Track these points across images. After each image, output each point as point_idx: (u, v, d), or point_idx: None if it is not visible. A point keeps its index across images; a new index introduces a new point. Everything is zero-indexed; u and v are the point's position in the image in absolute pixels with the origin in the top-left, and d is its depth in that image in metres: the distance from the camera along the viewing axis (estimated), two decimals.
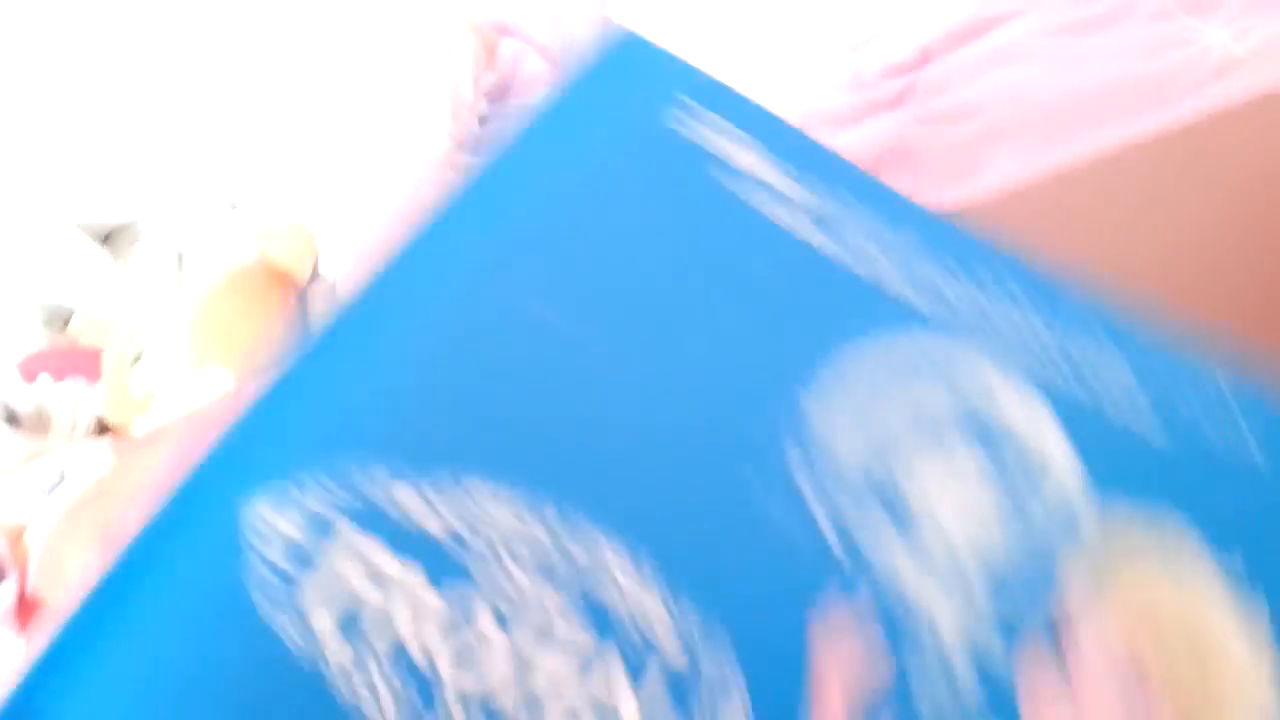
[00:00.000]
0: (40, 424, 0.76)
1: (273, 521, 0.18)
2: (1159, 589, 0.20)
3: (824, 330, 0.21)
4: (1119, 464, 0.20)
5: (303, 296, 0.84)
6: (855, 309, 0.22)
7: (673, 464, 0.20)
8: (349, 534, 0.18)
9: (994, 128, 0.53)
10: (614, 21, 0.26)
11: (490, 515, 0.18)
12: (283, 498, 0.18)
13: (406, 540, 0.18)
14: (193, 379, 0.73)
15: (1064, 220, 0.43)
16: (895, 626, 0.18)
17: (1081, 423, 0.20)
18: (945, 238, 0.23)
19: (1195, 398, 0.22)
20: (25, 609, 0.57)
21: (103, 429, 0.78)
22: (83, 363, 0.79)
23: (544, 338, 0.20)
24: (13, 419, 0.76)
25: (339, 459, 0.19)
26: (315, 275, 0.86)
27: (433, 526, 0.18)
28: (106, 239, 1.02)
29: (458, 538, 0.18)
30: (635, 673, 0.17)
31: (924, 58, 0.60)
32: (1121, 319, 0.23)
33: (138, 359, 0.77)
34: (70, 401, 0.77)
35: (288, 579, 0.18)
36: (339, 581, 0.17)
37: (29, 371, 0.78)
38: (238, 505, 0.18)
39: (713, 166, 0.23)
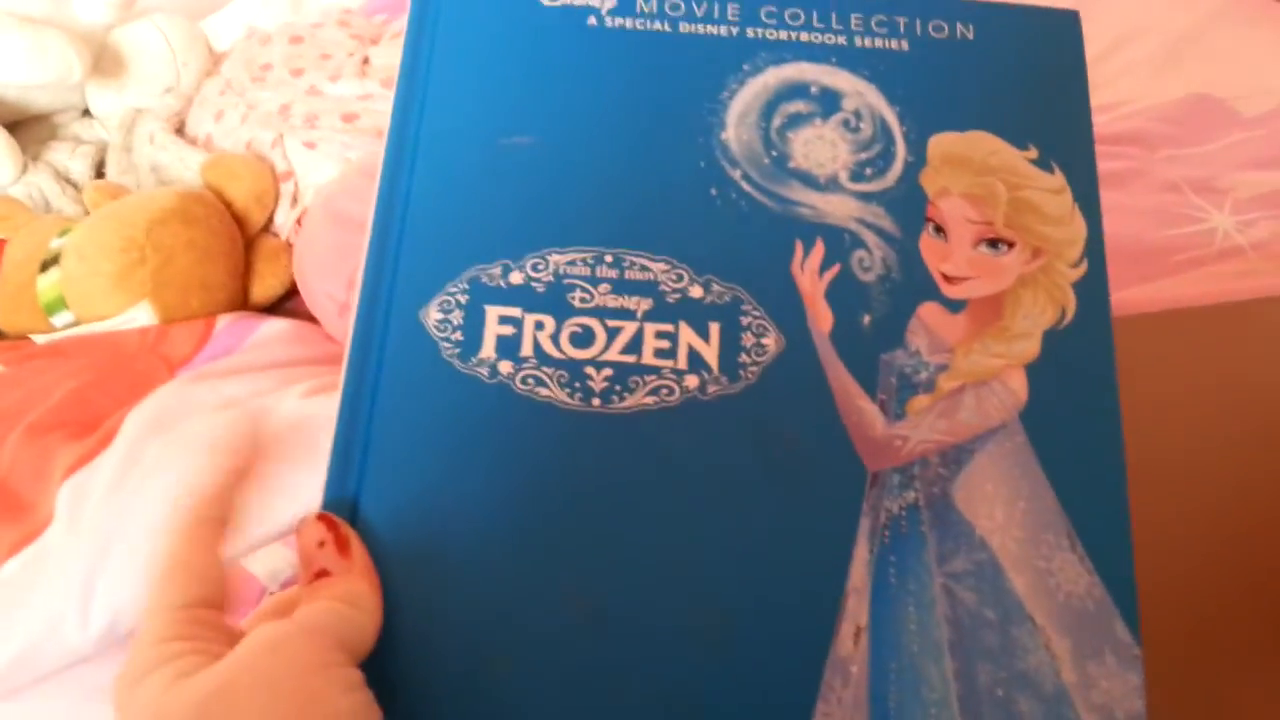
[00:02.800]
0: None
1: (443, 317, 0.30)
2: (990, 166, 0.32)
3: (713, 79, 0.33)
4: (937, 106, 0.33)
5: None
6: (736, 58, 0.33)
7: (661, 204, 0.31)
8: (490, 308, 0.30)
9: None
10: None
11: (568, 268, 0.31)
12: (444, 301, 0.30)
13: (526, 297, 0.30)
14: (113, 304, 0.69)
15: None
16: (832, 242, 0.31)
17: (906, 83, 0.33)
18: None
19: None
20: None
21: None
22: None
23: (532, 155, 0.32)
24: None
25: (467, 267, 0.31)
26: (268, 226, 0.83)
27: (537, 286, 0.30)
28: (14, 127, 0.96)
29: (555, 286, 0.30)
30: (700, 328, 0.30)
31: None
32: None
33: (51, 263, 0.72)
34: None
35: (466, 344, 0.30)
36: (493, 336, 0.30)
37: None
38: (415, 313, 0.30)
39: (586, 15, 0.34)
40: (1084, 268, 0.31)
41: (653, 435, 0.29)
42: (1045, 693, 0.27)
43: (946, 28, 0.34)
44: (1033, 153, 0.32)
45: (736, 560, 0.28)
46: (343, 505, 0.28)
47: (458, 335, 0.30)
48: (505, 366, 0.29)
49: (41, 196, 0.89)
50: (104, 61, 0.95)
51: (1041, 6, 0.35)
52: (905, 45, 0.34)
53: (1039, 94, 0.33)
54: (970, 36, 0.34)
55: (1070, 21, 0.34)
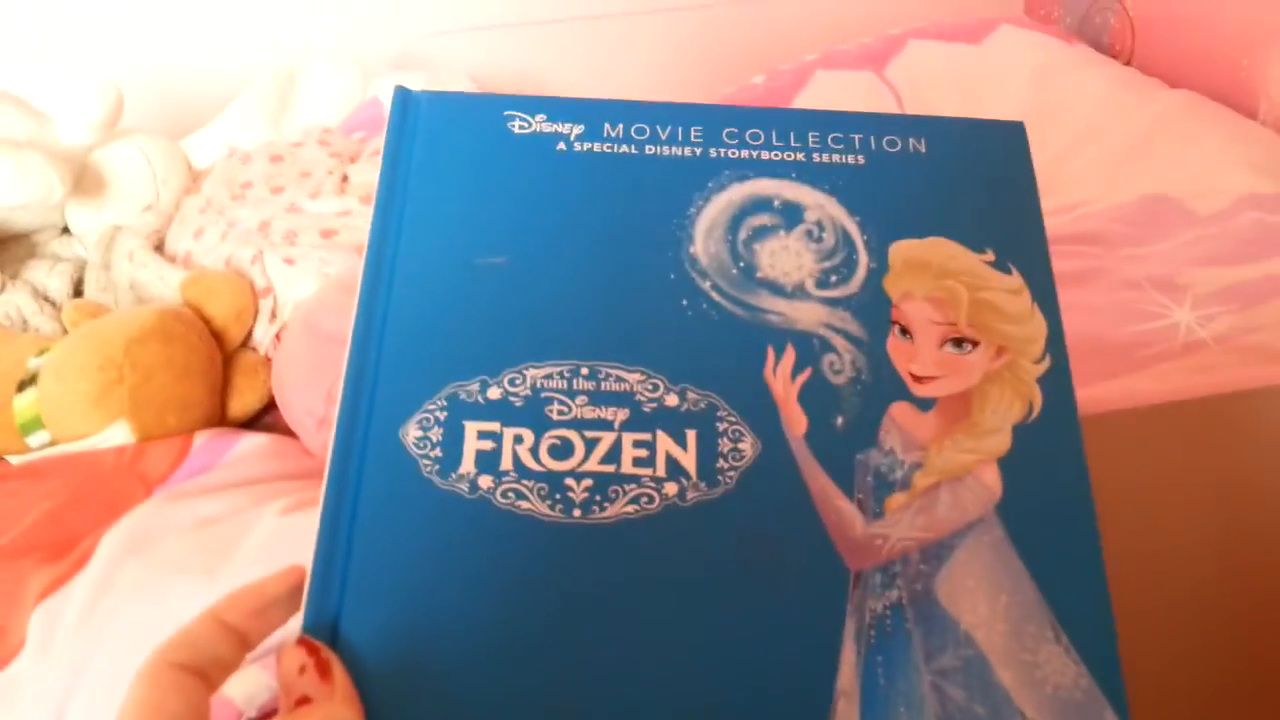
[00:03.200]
0: None
1: (421, 434, 0.31)
2: (949, 270, 0.34)
3: (680, 196, 0.35)
4: (895, 216, 0.35)
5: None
6: (701, 176, 0.35)
7: (634, 316, 0.33)
8: (469, 424, 0.31)
9: None
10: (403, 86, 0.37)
11: (545, 381, 0.31)
12: (422, 419, 0.31)
13: (504, 411, 0.31)
14: (90, 424, 0.69)
15: None
16: (802, 348, 0.32)
17: (864, 194, 0.35)
18: (740, 116, 0.37)
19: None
20: None
21: None
22: None
23: (507, 273, 0.33)
24: None
25: (445, 384, 0.31)
26: (247, 341, 0.84)
27: (515, 400, 0.31)
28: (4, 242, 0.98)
29: (533, 400, 0.31)
30: (677, 436, 0.31)
31: None
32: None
33: (28, 383, 0.72)
34: None
35: (446, 461, 0.30)
36: (473, 451, 0.30)
37: None
38: (395, 431, 0.31)
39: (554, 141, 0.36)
40: (1047, 363, 0.32)
41: (635, 544, 0.29)
42: None
43: (900, 142, 0.36)
44: (990, 255, 0.34)
45: (723, 668, 0.28)
46: (323, 628, 0.28)
47: (437, 452, 0.30)
48: (485, 481, 0.30)
49: (19, 315, 0.90)
50: (84, 180, 0.97)
51: (988, 120, 0.37)
52: (861, 160, 0.36)
53: (992, 200, 0.35)
54: (923, 149, 0.36)
55: (1016, 131, 0.37)
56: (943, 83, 1.04)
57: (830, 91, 1.02)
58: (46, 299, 0.93)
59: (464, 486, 0.30)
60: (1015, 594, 0.29)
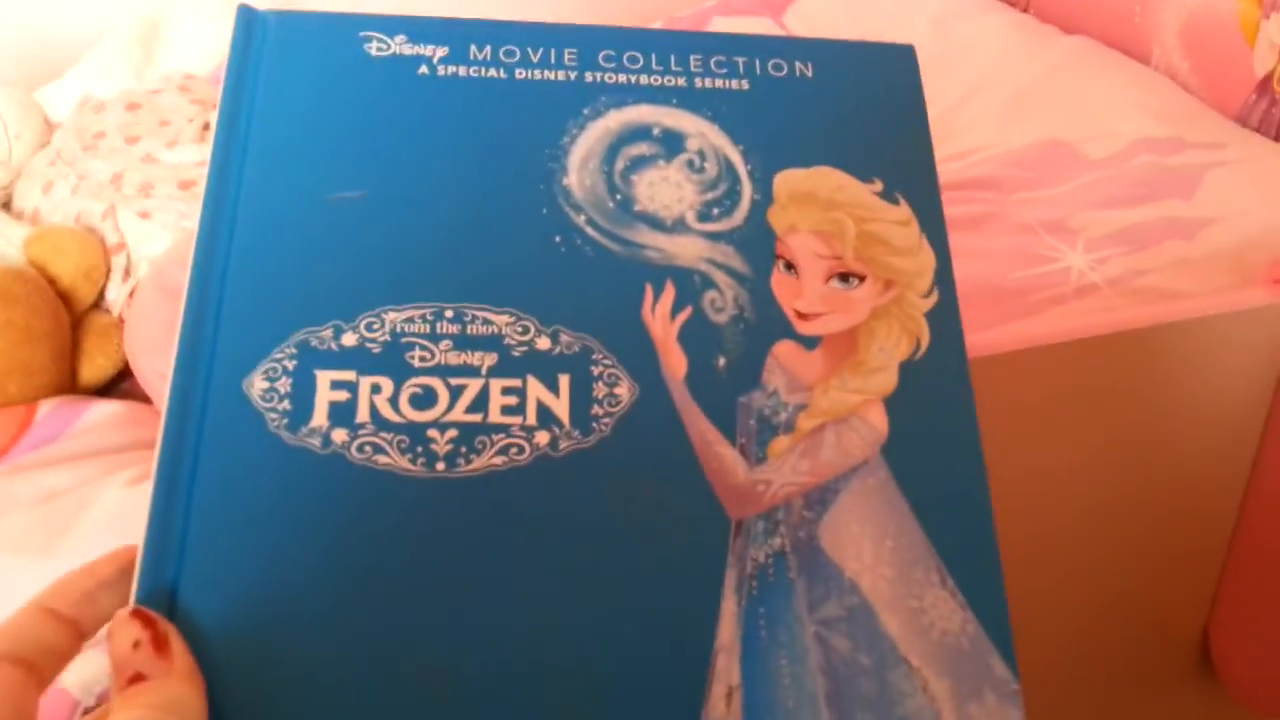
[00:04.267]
0: None
1: (268, 386, 0.28)
2: (836, 200, 0.33)
3: (553, 124, 0.33)
4: (781, 144, 0.33)
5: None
6: (576, 103, 0.33)
7: (503, 254, 0.31)
8: (321, 373, 0.29)
9: None
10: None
11: (406, 325, 0.29)
12: (269, 369, 0.29)
13: (360, 359, 0.29)
14: None
15: None
16: (682, 285, 0.31)
17: (749, 121, 0.34)
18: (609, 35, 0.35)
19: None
20: None
21: None
22: None
23: (363, 210, 0.31)
24: None
25: (294, 331, 0.29)
26: (99, 302, 0.78)
27: (373, 346, 0.29)
28: None
29: (392, 346, 0.29)
30: (549, 381, 0.29)
31: None
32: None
33: None
34: None
35: (295, 414, 0.28)
36: (325, 403, 0.28)
37: None
38: (238, 383, 0.28)
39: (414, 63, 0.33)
40: (935, 297, 0.32)
41: (504, 497, 0.28)
42: None
43: (785, 66, 0.35)
44: (878, 185, 0.33)
45: (598, 623, 0.27)
46: (160, 599, 0.26)
47: (285, 405, 0.28)
48: (339, 435, 0.28)
49: None
50: None
51: (877, 43, 0.36)
52: (746, 85, 0.34)
53: (880, 128, 0.34)
54: (809, 74, 0.35)
55: (906, 55, 0.36)
56: (840, 29, 1.04)
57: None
58: None
59: (315, 441, 0.28)
60: (901, 538, 0.29)
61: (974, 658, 0.28)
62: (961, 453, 0.30)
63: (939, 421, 0.30)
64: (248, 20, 0.33)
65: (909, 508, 0.29)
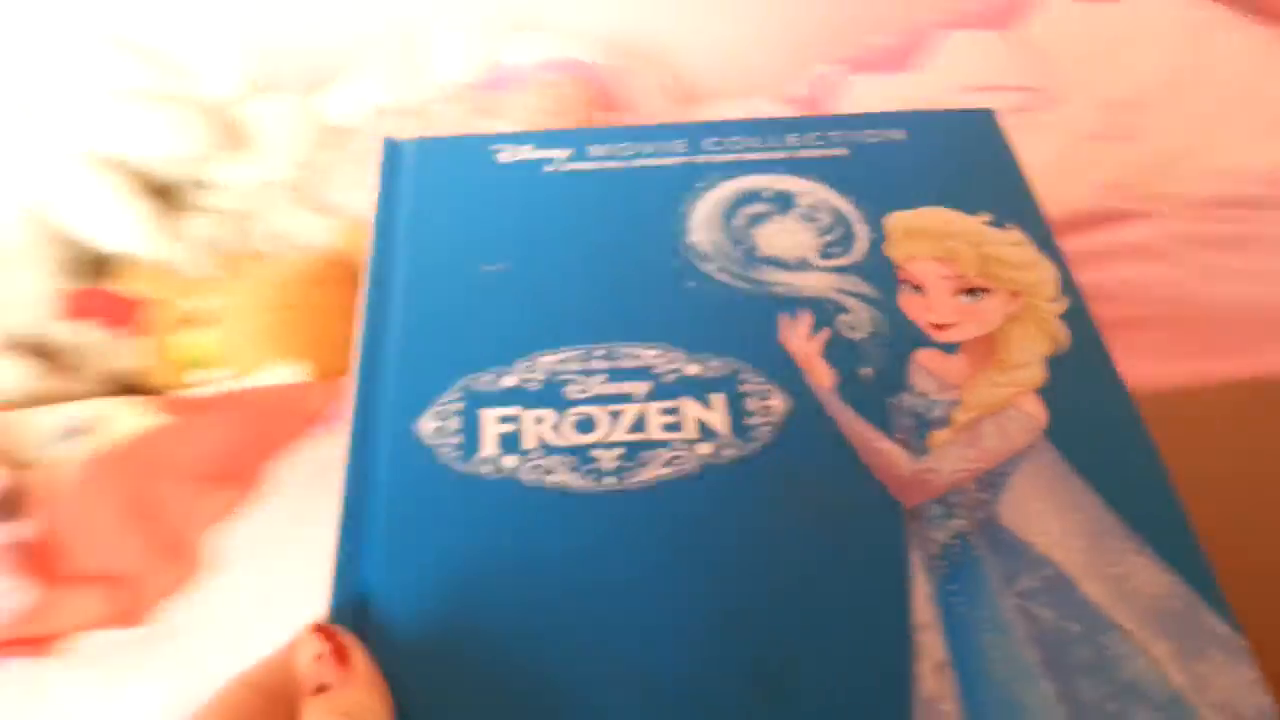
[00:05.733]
0: (71, 365, 0.72)
1: (438, 425, 0.31)
2: (949, 230, 0.35)
3: (671, 197, 0.37)
4: (886, 193, 0.37)
5: None
6: (689, 179, 0.37)
7: (642, 299, 0.34)
8: (487, 411, 0.31)
9: (1125, 319, 0.57)
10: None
11: (561, 365, 0.32)
12: (438, 411, 0.31)
13: (522, 396, 0.31)
14: (261, 361, 0.71)
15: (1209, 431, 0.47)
16: (816, 311, 0.33)
17: (852, 177, 0.37)
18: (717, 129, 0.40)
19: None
20: (36, 553, 0.56)
21: (128, 386, 0.74)
22: (123, 311, 0.77)
23: (511, 277, 0.34)
24: (43, 353, 0.71)
25: (457, 379, 0.32)
26: None
27: (531, 384, 0.31)
28: (162, 191, 0.95)
29: (549, 384, 0.31)
30: (703, 400, 0.31)
31: None
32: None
33: (185, 322, 0.75)
34: (109, 349, 0.73)
35: (466, 446, 0.30)
36: (494, 435, 0.30)
37: (74, 308, 0.75)
38: (409, 426, 0.31)
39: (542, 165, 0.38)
40: (1065, 302, 0.33)
41: (675, 505, 0.29)
42: (1159, 699, 0.25)
43: (879, 134, 0.39)
44: (986, 217, 0.36)
45: (790, 620, 0.27)
46: (351, 611, 0.27)
47: (455, 440, 0.30)
48: (509, 461, 0.29)
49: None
50: (231, 134, 0.98)
51: (959, 109, 0.40)
52: (845, 151, 0.38)
53: (977, 174, 0.37)
54: (902, 138, 0.39)
55: (987, 118, 0.40)
56: (1081, 42, 1.00)
57: (960, 52, 1.00)
58: (201, 247, 0.92)
59: (487, 469, 0.29)
60: (1084, 510, 0.29)
61: (1189, 618, 0.27)
62: (1125, 430, 0.30)
63: (1096, 405, 0.31)
64: (392, 148, 0.39)
65: (1085, 484, 0.29)
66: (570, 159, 0.38)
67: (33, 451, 0.64)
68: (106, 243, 0.84)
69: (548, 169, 0.38)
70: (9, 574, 0.54)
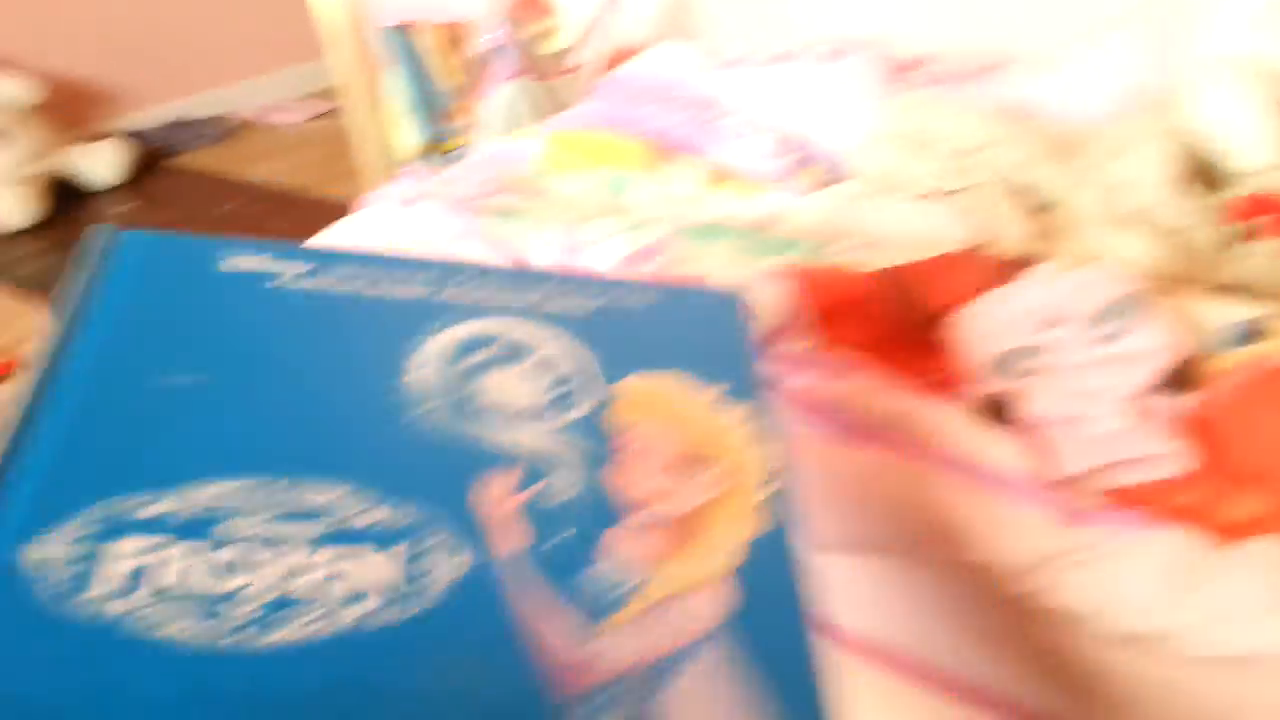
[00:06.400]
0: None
1: (50, 554, 0.27)
2: (677, 401, 0.35)
3: (402, 331, 0.35)
4: (626, 352, 0.36)
5: None
6: (424, 316, 0.36)
7: (343, 431, 0.31)
8: (115, 544, 0.27)
9: None
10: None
11: (222, 497, 0.29)
12: (58, 535, 0.27)
13: (163, 529, 0.28)
14: None
15: None
16: (522, 470, 0.32)
17: (596, 333, 0.36)
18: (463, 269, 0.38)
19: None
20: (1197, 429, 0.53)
21: None
22: None
23: (195, 393, 0.31)
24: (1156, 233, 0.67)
25: (99, 498, 0.28)
26: None
27: (180, 517, 0.28)
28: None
29: (201, 517, 0.28)
30: (381, 551, 0.29)
31: None
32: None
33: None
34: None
35: (73, 584, 0.26)
36: (113, 571, 0.27)
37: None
38: (13, 550, 0.27)
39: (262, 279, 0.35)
40: (771, 488, 0.33)
41: (298, 674, 0.26)
42: None
43: (628, 298, 0.39)
44: (717, 390, 0.36)
45: None
46: None
47: (68, 572, 0.27)
48: (118, 605, 0.26)
49: None
50: None
51: (712, 287, 0.41)
52: (593, 305, 0.38)
53: (715, 351, 0.38)
54: (653, 301, 0.39)
55: (733, 298, 0.40)
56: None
57: None
58: None
59: (87, 611, 0.26)
60: (742, 712, 0.28)
61: None
62: (797, 628, 0.30)
63: (774, 601, 0.31)
64: (110, 237, 0.36)
65: (748, 684, 0.29)
66: (304, 275, 0.36)
67: (1209, 342, 0.60)
68: (1234, 150, 0.79)
69: (273, 284, 0.35)
70: (1172, 439, 0.52)
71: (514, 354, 0.35)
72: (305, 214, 2.09)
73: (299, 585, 0.28)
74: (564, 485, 0.32)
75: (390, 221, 0.87)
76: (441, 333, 0.35)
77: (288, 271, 0.36)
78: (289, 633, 0.27)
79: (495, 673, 0.27)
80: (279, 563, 0.28)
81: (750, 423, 0.35)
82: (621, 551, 0.30)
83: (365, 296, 0.36)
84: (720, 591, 0.30)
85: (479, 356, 0.35)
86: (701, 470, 0.33)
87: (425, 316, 0.35)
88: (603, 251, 0.78)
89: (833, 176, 0.96)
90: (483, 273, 0.38)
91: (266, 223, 2.05)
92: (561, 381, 0.35)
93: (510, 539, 0.30)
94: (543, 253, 0.78)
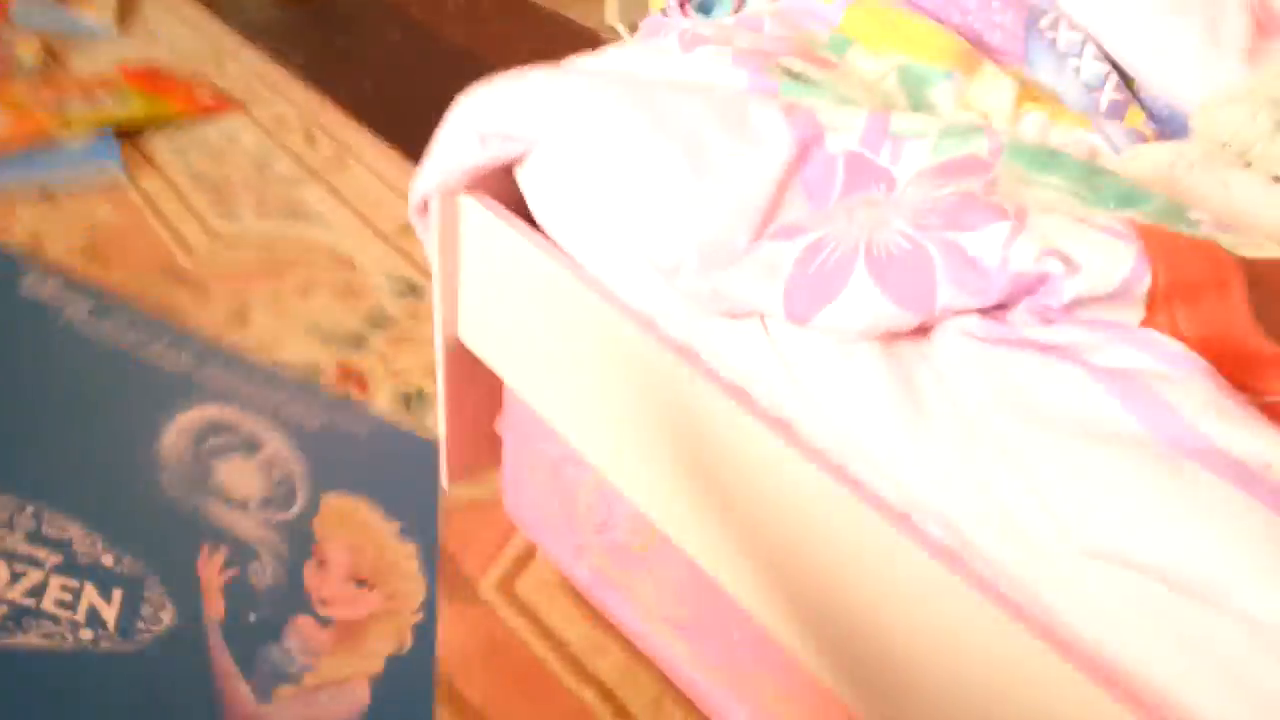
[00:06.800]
0: None
1: None
2: (367, 525, 0.44)
3: (163, 395, 0.41)
4: (337, 471, 0.44)
5: None
6: (183, 390, 0.42)
7: (91, 474, 0.37)
8: None
9: None
10: None
11: None
12: None
13: None
14: None
15: None
16: (234, 550, 0.39)
17: (317, 446, 0.44)
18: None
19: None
20: None
21: None
22: None
23: None
24: None
25: None
26: None
27: None
28: None
29: None
30: (104, 593, 0.35)
31: None
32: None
33: None
34: None
35: None
36: None
37: None
38: None
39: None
40: (421, 616, 0.43)
41: (39, 674, 0.32)
42: None
43: (353, 423, 0.47)
44: (397, 525, 0.45)
45: None
46: None
47: None
48: None
49: None
50: None
51: (417, 435, 0.50)
52: (318, 423, 0.46)
53: (405, 490, 0.47)
54: (367, 432, 0.48)
55: (429, 449, 0.51)
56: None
57: None
58: None
59: None
60: None
61: None
62: None
63: (404, 703, 0.41)
64: None
65: None
66: (88, 317, 0.41)
67: None
68: None
69: (62, 321, 0.41)
70: None
71: (249, 446, 0.43)
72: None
73: (41, 602, 0.33)
74: (267, 572, 0.40)
75: (671, 63, 0.82)
76: (193, 409, 0.42)
77: (77, 311, 0.41)
78: (25, 639, 0.33)
79: (192, 713, 0.35)
80: (24, 580, 0.34)
81: (416, 560, 0.45)
82: (303, 637, 0.40)
83: (138, 357, 0.42)
84: (364, 688, 0.40)
85: (221, 440, 0.42)
86: (371, 588, 0.42)
87: (184, 392, 0.42)
88: (915, 150, 0.70)
89: (1160, 130, 0.77)
90: (239, 364, 0.45)
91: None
92: (280, 484, 0.43)
93: (215, 607, 0.38)
94: (846, 136, 0.71)
